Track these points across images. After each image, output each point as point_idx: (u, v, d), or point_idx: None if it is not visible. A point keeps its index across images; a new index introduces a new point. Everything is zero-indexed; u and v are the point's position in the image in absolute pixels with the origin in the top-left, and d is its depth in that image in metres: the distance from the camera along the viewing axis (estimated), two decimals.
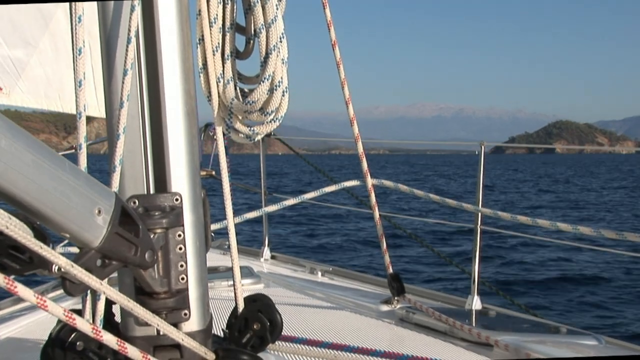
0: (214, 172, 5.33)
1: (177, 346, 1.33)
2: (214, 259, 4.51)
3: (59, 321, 1.32)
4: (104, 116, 1.37)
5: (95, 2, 1.34)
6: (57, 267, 0.97)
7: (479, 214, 3.58)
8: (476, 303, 3.46)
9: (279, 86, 1.50)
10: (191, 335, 1.34)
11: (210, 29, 1.50)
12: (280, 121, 1.57)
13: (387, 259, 3.14)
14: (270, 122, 1.56)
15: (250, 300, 1.59)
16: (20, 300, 3.40)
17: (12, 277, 0.89)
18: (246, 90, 1.60)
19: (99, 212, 1.05)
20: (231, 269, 1.64)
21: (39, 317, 3.03)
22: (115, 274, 1.23)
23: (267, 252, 5.04)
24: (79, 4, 1.29)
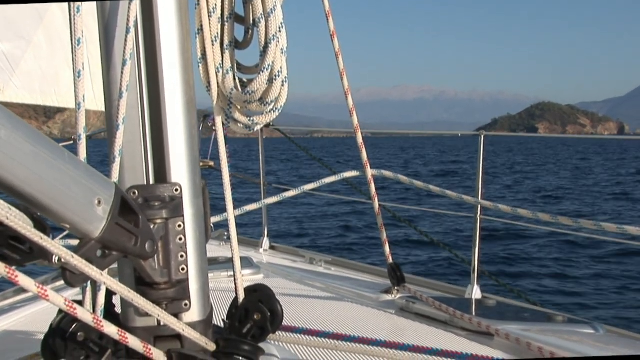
0: (212, 163, 5.33)
1: (178, 336, 1.34)
2: (214, 249, 4.52)
3: (60, 312, 1.32)
4: (100, 108, 1.36)
5: None
6: (57, 258, 0.97)
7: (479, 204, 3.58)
8: (476, 292, 3.47)
9: (279, 76, 1.50)
10: (192, 325, 1.34)
11: (209, 19, 1.49)
12: (280, 111, 1.56)
13: (387, 249, 3.14)
14: (270, 112, 1.56)
15: (250, 290, 1.59)
16: (20, 291, 3.41)
17: (13, 267, 0.89)
18: (245, 80, 1.59)
19: (99, 202, 1.05)
20: (231, 260, 1.64)
21: (39, 308, 3.04)
22: (115, 265, 1.23)
23: (266, 242, 5.04)
24: None
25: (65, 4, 4.10)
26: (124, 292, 1.14)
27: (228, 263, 3.65)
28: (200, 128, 4.21)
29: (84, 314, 1.05)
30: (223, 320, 1.59)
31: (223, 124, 1.64)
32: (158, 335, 1.34)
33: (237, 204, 2.87)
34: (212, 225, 2.63)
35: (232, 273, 1.61)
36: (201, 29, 1.49)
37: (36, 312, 3.02)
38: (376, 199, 3.11)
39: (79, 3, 1.28)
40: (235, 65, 1.59)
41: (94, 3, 1.34)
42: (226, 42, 1.54)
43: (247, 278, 3.57)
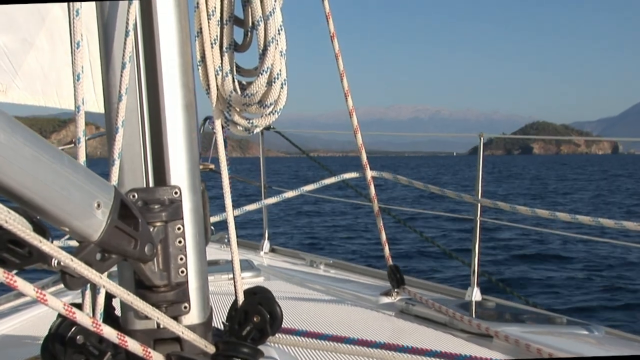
0: (212, 166, 5.33)
1: (178, 339, 1.33)
2: (215, 252, 4.52)
3: (59, 316, 1.32)
4: (102, 111, 1.36)
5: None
6: (56, 261, 0.97)
7: (479, 206, 3.58)
8: (476, 294, 3.47)
9: (278, 78, 1.50)
10: (191, 328, 1.34)
11: (209, 22, 1.49)
12: (279, 114, 1.56)
13: (387, 251, 3.14)
14: (269, 114, 1.56)
15: (250, 293, 1.59)
16: (20, 295, 3.41)
17: (13, 271, 0.89)
18: (244, 82, 1.59)
19: (98, 205, 1.05)
20: (231, 262, 1.64)
21: (38, 312, 3.04)
22: (114, 268, 1.23)
23: (267, 245, 5.04)
24: None
25: (66, 6, 4.10)
26: (124, 295, 1.14)
27: (228, 266, 3.65)
28: (202, 130, 4.21)
29: (83, 318, 1.05)
30: (223, 322, 1.59)
31: (222, 127, 1.64)
32: (157, 338, 1.34)
33: (237, 206, 2.87)
34: (212, 227, 2.63)
35: (232, 276, 1.61)
36: (200, 32, 1.49)
37: (37, 315, 3.02)
38: (376, 201, 3.11)
39: (78, 6, 1.28)
40: (235, 67, 1.59)
41: (96, 4, 1.34)
42: (225, 44, 1.54)
43: (247, 281, 3.57)
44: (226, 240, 5.04)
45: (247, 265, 3.89)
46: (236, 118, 1.60)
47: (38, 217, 0.99)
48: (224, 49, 1.54)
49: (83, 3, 1.30)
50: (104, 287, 1.08)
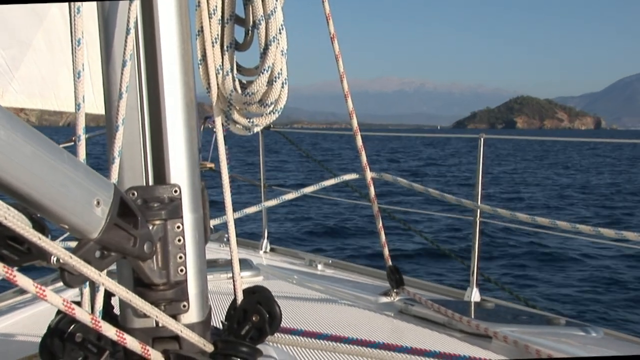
0: (212, 165, 5.32)
1: (176, 338, 1.33)
2: (214, 251, 4.52)
3: (58, 313, 1.32)
4: (100, 112, 1.37)
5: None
6: (55, 258, 0.97)
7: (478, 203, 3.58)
8: (475, 295, 3.47)
9: (279, 78, 1.50)
10: (190, 327, 1.34)
11: (210, 21, 1.49)
12: (280, 113, 1.56)
13: (386, 251, 3.14)
14: (270, 113, 1.56)
15: (249, 292, 1.59)
16: (20, 292, 3.41)
17: (12, 267, 0.89)
18: (245, 81, 1.59)
19: (98, 203, 1.05)
20: (230, 262, 1.64)
21: (38, 309, 3.04)
22: (114, 266, 1.23)
23: (266, 244, 5.04)
24: None
25: (65, 8, 4.10)
26: (123, 293, 1.14)
27: (227, 265, 3.65)
28: (202, 129, 4.21)
29: (82, 315, 1.05)
30: (221, 321, 1.59)
31: (223, 126, 1.64)
32: (156, 337, 1.34)
33: (237, 206, 2.87)
34: (212, 227, 2.63)
35: (231, 275, 1.61)
36: (201, 31, 1.49)
37: (35, 313, 3.02)
38: (375, 202, 3.11)
39: (79, 4, 1.28)
40: (235, 66, 1.59)
41: (94, 5, 1.34)
42: (226, 43, 1.54)
43: (246, 280, 3.57)
44: (225, 239, 5.04)
45: (246, 265, 3.89)
46: (236, 117, 1.60)
47: (37, 214, 0.99)
48: (225, 47, 1.54)
49: (84, 2, 1.30)
50: (102, 284, 1.08)
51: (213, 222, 3.04)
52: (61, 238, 3.16)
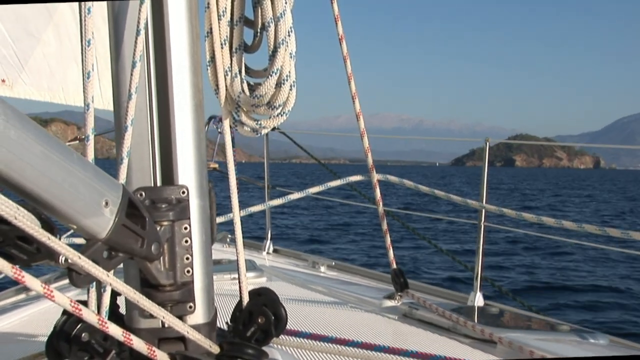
0: (217, 166, 5.32)
1: (182, 339, 1.34)
2: (217, 251, 4.52)
3: (63, 313, 1.32)
4: (106, 107, 1.37)
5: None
6: (63, 258, 0.97)
7: (483, 211, 3.58)
8: (479, 300, 3.46)
9: (287, 80, 1.50)
10: (196, 328, 1.34)
11: (219, 22, 1.49)
12: (288, 115, 1.56)
13: (391, 254, 3.14)
14: (277, 116, 1.56)
15: (255, 294, 1.59)
16: (22, 290, 3.41)
17: (19, 267, 0.89)
18: (253, 83, 1.59)
19: (106, 203, 1.06)
20: (233, 262, 1.64)
21: (41, 308, 3.04)
22: (120, 266, 1.23)
23: (269, 245, 5.04)
24: None
25: (75, 4, 4.11)
26: (129, 293, 1.14)
27: (231, 265, 3.65)
28: (206, 130, 4.22)
29: (89, 315, 1.05)
30: (227, 323, 1.59)
31: (230, 127, 1.64)
32: (162, 337, 1.34)
33: (241, 206, 2.87)
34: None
35: (235, 275, 1.62)
36: (210, 32, 1.49)
37: (38, 311, 3.02)
38: (381, 204, 3.11)
39: (89, 4, 1.29)
40: (244, 68, 1.59)
41: (103, 5, 1.35)
42: (235, 45, 1.54)
43: (249, 281, 3.55)
44: (229, 240, 5.05)
45: (249, 266, 3.89)
46: (244, 119, 1.60)
47: (46, 214, 0.99)
48: (234, 49, 1.54)
49: (94, 2, 1.30)
50: (110, 285, 1.08)
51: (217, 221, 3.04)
52: (66, 235, 3.17)
